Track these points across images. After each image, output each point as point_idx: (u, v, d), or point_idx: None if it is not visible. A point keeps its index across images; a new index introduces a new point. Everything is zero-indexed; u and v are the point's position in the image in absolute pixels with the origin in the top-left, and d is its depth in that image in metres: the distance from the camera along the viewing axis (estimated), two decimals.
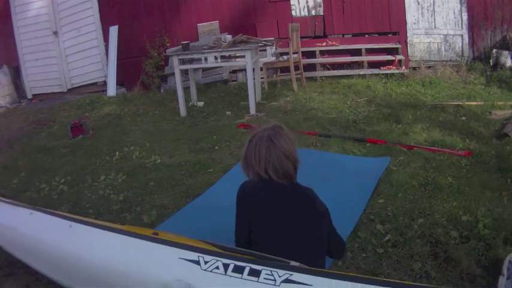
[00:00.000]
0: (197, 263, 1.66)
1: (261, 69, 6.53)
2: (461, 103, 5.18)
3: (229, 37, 5.94)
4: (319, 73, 7.32)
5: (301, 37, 6.88)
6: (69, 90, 7.97)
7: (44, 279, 2.40)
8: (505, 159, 3.49)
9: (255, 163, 1.91)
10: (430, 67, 7.11)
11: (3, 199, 2.60)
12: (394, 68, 7.03)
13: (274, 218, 1.92)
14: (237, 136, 4.58)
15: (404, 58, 7.14)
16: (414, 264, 2.22)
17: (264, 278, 1.55)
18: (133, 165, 4.02)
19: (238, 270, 1.59)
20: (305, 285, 1.51)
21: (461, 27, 7.22)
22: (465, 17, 7.16)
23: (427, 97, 5.69)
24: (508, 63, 6.59)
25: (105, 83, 7.72)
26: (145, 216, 2.96)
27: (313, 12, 7.66)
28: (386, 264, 2.25)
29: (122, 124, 5.51)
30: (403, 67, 7.02)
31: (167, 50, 7.10)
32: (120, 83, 7.68)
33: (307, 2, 7.62)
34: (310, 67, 7.31)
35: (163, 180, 3.60)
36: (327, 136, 4.35)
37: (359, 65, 7.33)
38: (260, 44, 6.02)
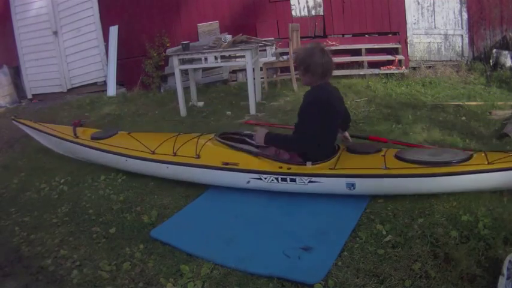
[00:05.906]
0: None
1: (261, 69, 6.53)
2: (461, 103, 5.18)
3: (229, 37, 5.95)
4: None
5: (301, 37, 6.88)
6: (69, 90, 7.97)
7: (44, 279, 2.40)
8: None
9: (321, 70, 2.84)
10: (430, 67, 7.11)
11: None
12: (394, 68, 7.03)
13: (338, 113, 3.01)
14: None
15: (404, 58, 7.14)
16: (414, 264, 2.22)
17: (299, 181, 2.95)
18: None
19: (283, 180, 2.98)
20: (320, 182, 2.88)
21: (461, 27, 7.23)
22: (465, 17, 7.16)
23: (427, 97, 5.69)
24: (508, 63, 6.59)
25: (105, 83, 7.72)
26: (145, 216, 2.96)
27: (313, 12, 7.67)
28: (386, 264, 2.25)
29: (122, 124, 5.50)
30: (403, 67, 7.02)
31: (167, 50, 7.10)
32: (120, 83, 7.68)
33: (307, 2, 7.63)
34: None
35: (163, 180, 3.60)
36: None
37: (359, 65, 7.33)
38: (260, 44, 6.02)
